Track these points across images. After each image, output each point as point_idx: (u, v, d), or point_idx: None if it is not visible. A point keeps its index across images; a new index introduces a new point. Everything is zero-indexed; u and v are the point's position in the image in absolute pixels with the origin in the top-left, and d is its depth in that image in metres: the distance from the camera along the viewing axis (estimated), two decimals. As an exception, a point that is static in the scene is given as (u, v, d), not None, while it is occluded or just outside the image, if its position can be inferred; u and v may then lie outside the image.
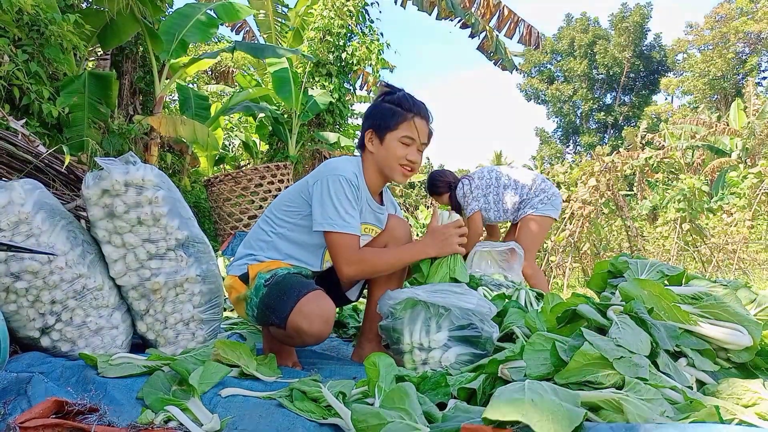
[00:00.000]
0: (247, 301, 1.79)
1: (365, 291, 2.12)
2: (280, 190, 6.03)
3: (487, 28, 9.08)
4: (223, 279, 1.99)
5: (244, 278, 1.83)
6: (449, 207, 3.94)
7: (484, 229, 4.00)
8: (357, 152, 2.03)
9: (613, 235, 7.79)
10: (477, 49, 9.36)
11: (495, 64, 9.62)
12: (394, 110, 1.88)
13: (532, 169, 4.10)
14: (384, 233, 2.01)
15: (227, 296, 1.96)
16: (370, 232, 1.98)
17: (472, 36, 9.05)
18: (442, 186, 3.95)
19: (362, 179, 1.90)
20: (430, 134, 1.95)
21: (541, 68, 35.31)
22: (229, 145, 10.28)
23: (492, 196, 3.82)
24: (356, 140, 10.75)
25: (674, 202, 6.90)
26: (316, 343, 1.72)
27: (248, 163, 9.67)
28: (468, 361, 1.59)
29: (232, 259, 1.97)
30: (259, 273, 1.78)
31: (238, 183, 5.89)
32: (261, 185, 5.94)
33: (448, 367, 1.56)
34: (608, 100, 34.55)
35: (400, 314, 1.67)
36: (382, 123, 1.88)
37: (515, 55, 9.81)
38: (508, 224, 4.25)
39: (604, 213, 7.44)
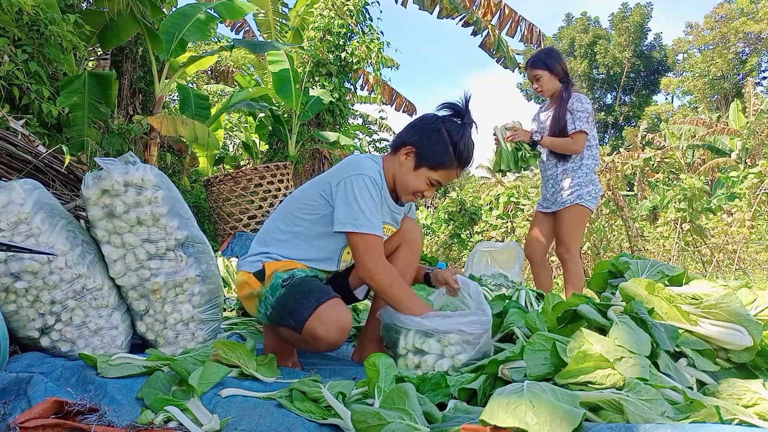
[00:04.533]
0: (260, 298, 1.76)
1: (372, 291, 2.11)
2: (279, 190, 6.03)
3: (489, 26, 9.08)
4: (224, 279, 1.99)
5: (260, 275, 1.79)
6: (543, 90, 3.24)
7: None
8: (362, 152, 2.01)
9: (614, 235, 7.79)
10: (479, 47, 9.35)
11: (497, 62, 9.61)
12: (448, 153, 1.78)
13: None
14: (397, 234, 1.98)
15: (235, 292, 1.94)
16: (387, 231, 1.96)
17: (474, 34, 9.05)
18: (560, 65, 3.21)
19: (383, 180, 1.87)
20: None
21: (542, 68, 35.23)
22: (230, 144, 10.28)
23: (593, 142, 3.25)
24: (357, 140, 10.66)
25: (675, 202, 6.90)
26: (329, 350, 1.70)
27: (248, 163, 9.67)
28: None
29: (237, 258, 1.96)
30: (276, 272, 1.76)
31: (237, 183, 5.89)
32: (261, 185, 5.94)
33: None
34: (608, 100, 34.53)
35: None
36: (427, 155, 1.79)
37: (517, 54, 9.81)
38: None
39: (604, 213, 7.44)
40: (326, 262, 1.86)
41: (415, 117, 1.94)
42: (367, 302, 2.37)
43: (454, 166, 1.82)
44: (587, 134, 3.14)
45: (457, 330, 1.61)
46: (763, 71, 26.92)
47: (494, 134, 3.35)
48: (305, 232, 1.84)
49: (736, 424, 1.01)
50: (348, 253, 1.88)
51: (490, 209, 8.93)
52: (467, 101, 1.86)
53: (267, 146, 8.41)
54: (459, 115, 1.85)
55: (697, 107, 25.85)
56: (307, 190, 1.90)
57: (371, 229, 1.72)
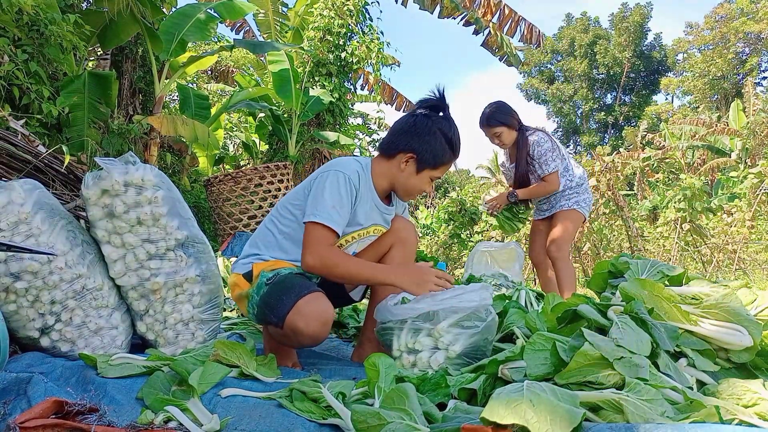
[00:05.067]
0: (248, 298, 1.78)
1: (369, 292, 2.12)
2: (279, 190, 6.03)
3: (491, 24, 9.09)
4: (224, 279, 1.99)
5: (248, 276, 1.83)
6: (505, 144, 3.43)
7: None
8: (362, 152, 2.04)
9: (614, 235, 7.79)
10: (482, 45, 9.35)
11: (500, 60, 9.61)
12: (446, 151, 1.85)
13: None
14: (389, 234, 1.99)
15: (230, 294, 1.95)
16: (377, 232, 1.98)
17: (476, 33, 9.05)
18: (514, 118, 3.36)
19: (369, 181, 1.88)
20: None
21: (542, 68, 35.31)
22: (230, 144, 10.28)
23: (565, 163, 3.46)
24: (357, 140, 10.63)
25: (675, 202, 6.90)
26: (313, 344, 1.71)
27: (248, 163, 9.67)
28: (459, 364, 1.58)
29: (235, 258, 1.97)
30: (262, 271, 1.78)
31: (237, 183, 5.89)
32: (261, 185, 5.94)
33: (445, 368, 1.55)
34: (608, 100, 34.54)
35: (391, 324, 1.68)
36: (428, 158, 1.84)
37: (518, 51, 9.81)
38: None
39: (604, 213, 7.44)
40: None
41: (398, 119, 1.96)
42: (366, 302, 2.37)
43: (452, 160, 1.92)
44: (558, 171, 3.38)
45: (449, 306, 1.59)
46: (763, 71, 26.94)
47: (482, 208, 3.69)
48: (292, 234, 1.86)
49: (736, 424, 1.01)
50: None
51: (490, 209, 8.91)
52: (442, 93, 1.91)
53: (267, 146, 8.41)
54: (440, 109, 1.91)
55: (697, 107, 25.85)
56: (295, 191, 1.93)
57: (327, 221, 1.71)
